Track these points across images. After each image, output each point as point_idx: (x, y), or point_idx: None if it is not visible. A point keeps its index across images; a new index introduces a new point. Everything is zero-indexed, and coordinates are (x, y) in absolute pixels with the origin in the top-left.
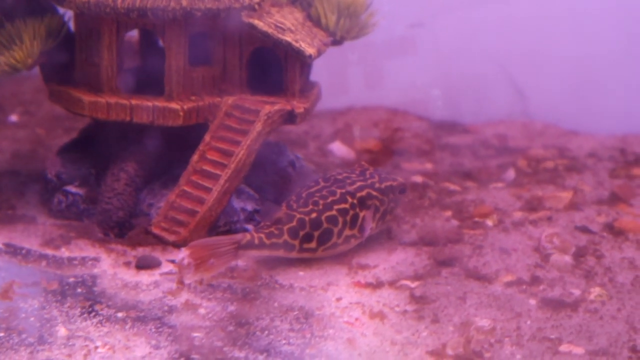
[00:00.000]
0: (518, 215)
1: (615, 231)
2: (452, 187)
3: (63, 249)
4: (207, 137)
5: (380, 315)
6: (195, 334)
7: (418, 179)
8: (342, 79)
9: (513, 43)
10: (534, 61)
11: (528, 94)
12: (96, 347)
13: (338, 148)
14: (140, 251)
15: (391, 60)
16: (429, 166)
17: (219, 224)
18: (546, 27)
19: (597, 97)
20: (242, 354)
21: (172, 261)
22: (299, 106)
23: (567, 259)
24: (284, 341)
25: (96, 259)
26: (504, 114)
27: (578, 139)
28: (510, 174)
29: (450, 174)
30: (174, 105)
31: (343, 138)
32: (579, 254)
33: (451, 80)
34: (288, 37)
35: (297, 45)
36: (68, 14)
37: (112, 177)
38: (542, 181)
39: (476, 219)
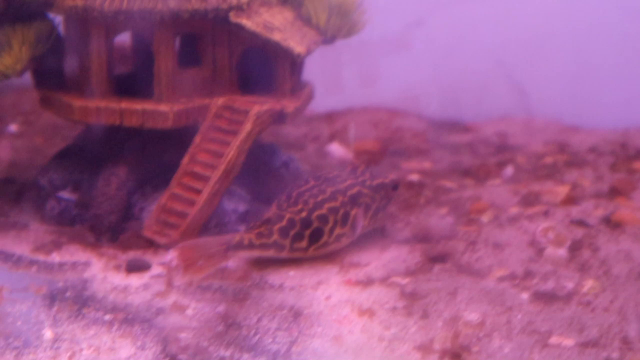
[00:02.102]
0: (514, 210)
1: (612, 224)
2: (449, 184)
3: (54, 254)
4: (197, 139)
5: (369, 312)
6: (182, 335)
7: (415, 177)
8: (338, 79)
9: (512, 39)
10: (534, 57)
11: (529, 91)
12: (81, 349)
13: (336, 149)
14: (132, 255)
15: (389, 60)
16: (427, 165)
17: (210, 226)
18: (545, 23)
19: (599, 92)
20: (227, 353)
21: (163, 263)
22: (289, 105)
23: (562, 252)
24: (270, 340)
25: (87, 264)
26: (504, 111)
27: (580, 135)
28: (509, 170)
29: (448, 172)
30: (163, 108)
31: (341, 139)
32: (574, 248)
33: (451, 78)
34: (276, 36)
35: (285, 44)
36: (58, 19)
37: (103, 181)
38: (541, 177)
39: (472, 216)
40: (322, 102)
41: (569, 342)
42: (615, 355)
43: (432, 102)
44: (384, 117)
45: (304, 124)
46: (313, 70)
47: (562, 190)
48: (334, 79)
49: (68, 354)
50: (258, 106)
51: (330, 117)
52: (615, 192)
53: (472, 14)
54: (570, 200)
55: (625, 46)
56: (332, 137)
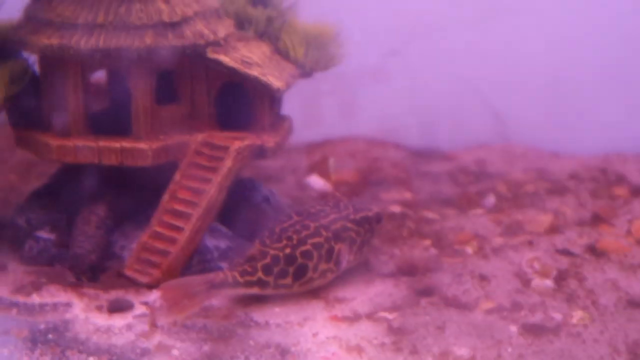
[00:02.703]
0: (498, 241)
1: (597, 252)
2: (431, 215)
3: (34, 295)
4: (177, 176)
5: (358, 349)
6: None
7: (396, 208)
8: (316, 111)
9: (488, 67)
10: (511, 85)
11: (507, 118)
12: None
13: (315, 181)
14: (113, 294)
15: (366, 91)
16: (407, 195)
17: (193, 263)
18: (522, 50)
19: (578, 118)
20: None
21: (146, 303)
22: (269, 140)
23: (549, 282)
24: None
25: (68, 304)
26: (482, 139)
27: (559, 161)
28: (490, 199)
29: (429, 202)
30: (142, 146)
31: (320, 171)
32: (561, 277)
33: (428, 107)
34: (255, 72)
35: (264, 79)
36: (32, 57)
37: (82, 220)
38: (523, 205)
39: (456, 247)
40: (300, 133)
41: None
42: None
43: (409, 132)
44: (362, 147)
45: (282, 156)
46: (290, 102)
47: (545, 219)
48: (312, 110)
49: None
50: (238, 142)
51: (308, 148)
52: (597, 219)
53: (447, 43)
54: (554, 229)
55: (603, 72)
56: (311, 169)
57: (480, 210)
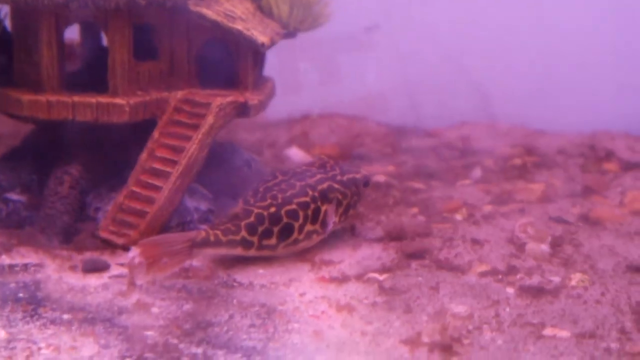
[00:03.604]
0: (488, 208)
1: (591, 221)
2: (417, 185)
3: (3, 256)
4: (155, 134)
5: (348, 308)
6: (149, 333)
7: (381, 178)
8: (297, 85)
9: (473, 44)
10: (496, 62)
11: (491, 96)
12: (39, 349)
13: (295, 153)
14: (88, 255)
15: (347, 66)
16: (391, 169)
17: (171, 225)
18: (508, 27)
19: (563, 96)
20: (199, 350)
21: (122, 264)
22: (252, 98)
23: (544, 247)
24: (244, 336)
25: (40, 265)
26: (465, 117)
27: (546, 138)
28: (477, 172)
29: (413, 175)
30: (119, 101)
31: (300, 144)
32: (556, 243)
33: (411, 83)
34: (239, 26)
35: (248, 33)
36: (4, 10)
37: (55, 180)
38: (511, 177)
39: (445, 214)
40: (277, 109)
41: (564, 333)
42: (614, 345)
43: (391, 108)
44: (342, 123)
45: (259, 130)
46: (268, 70)
47: (537, 188)
48: (291, 84)
49: (25, 354)
50: (221, 98)
51: (286, 123)
52: (589, 191)
53: (432, 17)
54: (546, 198)
55: (591, 50)
56: (290, 143)
57: (467, 181)
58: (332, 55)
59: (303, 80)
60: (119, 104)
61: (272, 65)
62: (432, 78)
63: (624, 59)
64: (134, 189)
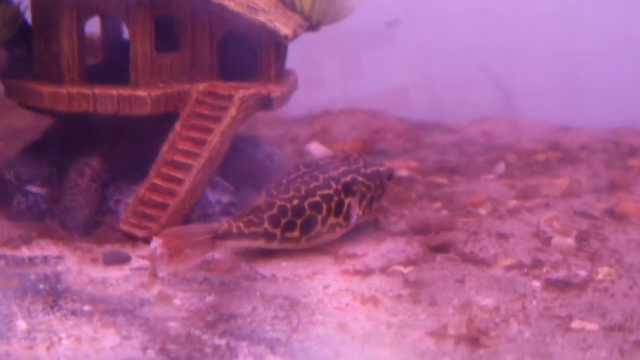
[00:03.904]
0: (513, 203)
1: (617, 216)
2: (440, 180)
3: (24, 249)
4: (177, 126)
5: (373, 301)
6: (171, 324)
7: (404, 173)
8: (318, 80)
9: (496, 40)
10: (519, 59)
11: (513, 92)
12: (60, 340)
13: (316, 148)
14: (108, 248)
15: (370, 61)
16: (413, 164)
17: (193, 218)
18: (531, 24)
19: (586, 93)
20: (222, 342)
21: (144, 257)
22: (275, 90)
23: (570, 241)
24: (268, 328)
25: (60, 257)
26: (487, 114)
27: (569, 134)
28: (501, 167)
29: (436, 170)
30: (140, 93)
31: (321, 139)
32: (582, 238)
33: (433, 80)
34: (262, 18)
35: (271, 25)
36: (24, 3)
37: (75, 173)
38: (536, 173)
39: (469, 209)
40: (299, 102)
41: (592, 326)
42: None
43: (412, 104)
44: (363, 119)
45: (280, 126)
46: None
47: (563, 183)
48: (313, 79)
49: (46, 345)
50: (243, 91)
51: (308, 119)
52: (615, 187)
53: (455, 11)
54: (571, 193)
55: (612, 47)
56: (311, 138)
57: (491, 177)
58: (353, 50)
59: (324, 75)
60: (141, 97)
61: (293, 59)
62: (454, 74)
63: None
64: (156, 181)
